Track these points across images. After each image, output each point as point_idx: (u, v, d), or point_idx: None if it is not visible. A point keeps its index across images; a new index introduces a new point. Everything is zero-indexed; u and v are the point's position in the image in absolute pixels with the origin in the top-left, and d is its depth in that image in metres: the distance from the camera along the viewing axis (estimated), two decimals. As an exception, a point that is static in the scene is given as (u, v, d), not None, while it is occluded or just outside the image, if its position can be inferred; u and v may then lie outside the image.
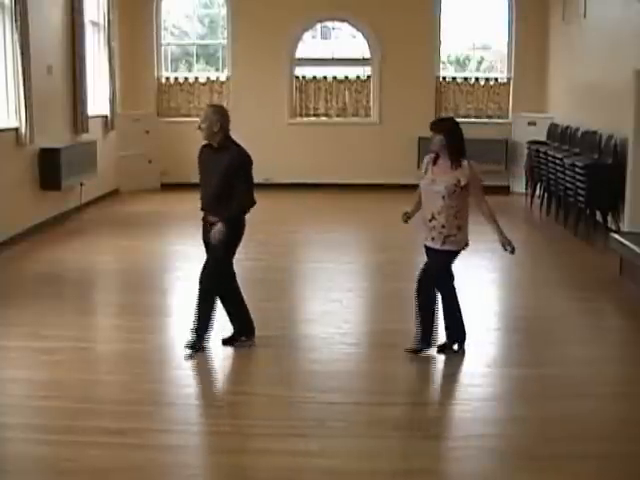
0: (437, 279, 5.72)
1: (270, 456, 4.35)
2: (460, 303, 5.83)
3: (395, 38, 14.02)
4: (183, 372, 5.66)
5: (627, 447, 4.50)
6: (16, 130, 9.65)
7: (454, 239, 5.58)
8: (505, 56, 14.46)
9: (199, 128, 5.72)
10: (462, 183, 5.50)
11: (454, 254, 5.66)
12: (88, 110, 11.84)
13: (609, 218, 9.90)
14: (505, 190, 14.05)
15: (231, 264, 5.91)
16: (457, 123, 5.70)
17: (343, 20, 14.65)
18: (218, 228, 5.61)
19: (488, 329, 6.69)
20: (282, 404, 5.05)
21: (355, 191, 13.83)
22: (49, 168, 10.32)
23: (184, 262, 8.94)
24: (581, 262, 8.94)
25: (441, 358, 5.96)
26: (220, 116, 5.71)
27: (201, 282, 5.80)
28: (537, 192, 12.53)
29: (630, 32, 9.72)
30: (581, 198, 9.89)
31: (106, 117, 13.00)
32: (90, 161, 11.84)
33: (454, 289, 5.79)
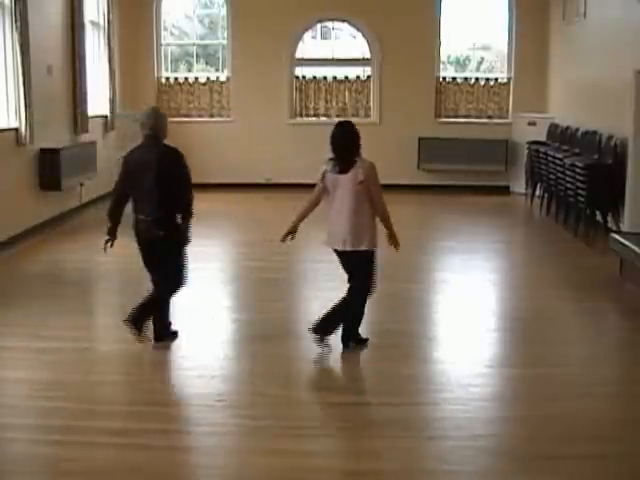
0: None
1: (270, 456, 4.36)
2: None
3: (395, 38, 14.03)
4: (183, 372, 5.68)
5: (629, 447, 4.50)
6: (16, 130, 9.65)
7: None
8: (505, 56, 14.45)
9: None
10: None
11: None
12: (88, 110, 11.84)
13: (609, 218, 9.90)
14: (505, 190, 14.06)
15: None
16: None
17: (343, 20, 14.63)
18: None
19: (488, 329, 6.71)
20: (282, 404, 5.06)
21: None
22: (49, 168, 10.31)
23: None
24: (581, 262, 8.94)
25: (440, 358, 5.98)
26: None
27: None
28: (537, 192, 12.53)
29: (630, 32, 9.72)
30: (581, 198, 9.88)
31: (106, 117, 12.98)
32: (90, 161, 11.82)
33: None
